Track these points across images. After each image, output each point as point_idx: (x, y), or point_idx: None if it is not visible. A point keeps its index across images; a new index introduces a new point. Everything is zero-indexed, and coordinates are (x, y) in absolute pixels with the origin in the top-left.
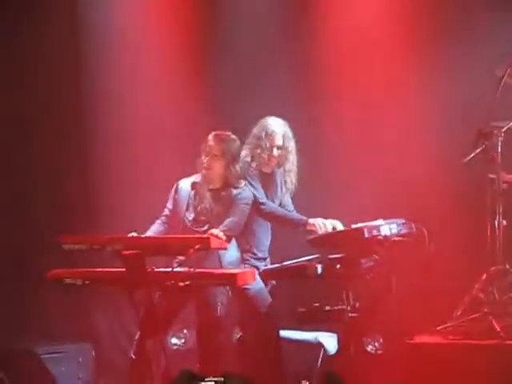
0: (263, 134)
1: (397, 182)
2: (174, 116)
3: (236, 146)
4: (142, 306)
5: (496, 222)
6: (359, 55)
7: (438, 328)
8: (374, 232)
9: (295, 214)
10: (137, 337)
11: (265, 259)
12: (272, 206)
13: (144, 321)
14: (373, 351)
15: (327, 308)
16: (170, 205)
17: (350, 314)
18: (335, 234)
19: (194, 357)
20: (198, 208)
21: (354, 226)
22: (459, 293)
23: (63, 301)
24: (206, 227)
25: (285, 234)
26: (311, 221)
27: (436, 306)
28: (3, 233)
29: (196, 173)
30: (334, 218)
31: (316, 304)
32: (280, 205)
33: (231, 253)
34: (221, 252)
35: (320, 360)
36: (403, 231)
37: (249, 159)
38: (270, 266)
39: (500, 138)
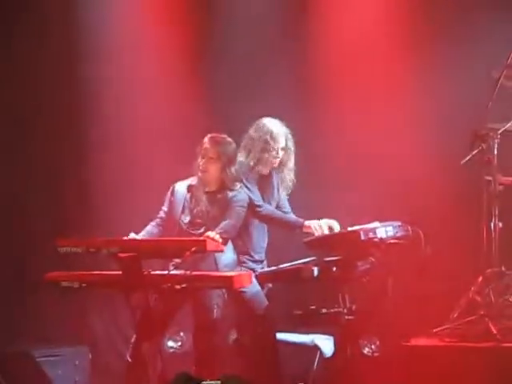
0: (268, 137)
1: (393, 183)
2: (171, 116)
3: (232, 149)
4: (138, 309)
5: (492, 224)
6: (357, 56)
7: (434, 330)
8: (370, 234)
9: (291, 217)
10: (133, 340)
11: (261, 262)
12: (268, 208)
13: (140, 324)
14: (369, 354)
15: (323, 310)
16: (165, 207)
17: (346, 317)
18: (331, 236)
19: (190, 359)
20: (194, 211)
21: (350, 229)
22: (455, 295)
23: (60, 304)
24: (202, 230)
25: (281, 237)
26: (307, 223)
27: (432, 308)
28: None
29: (192, 175)
30: (331, 218)
31: (312, 306)
32: (277, 206)
33: (227, 255)
34: (217, 255)
35: (316, 362)
36: (399, 234)
37: (252, 162)
38: (266, 269)
39: (496, 140)
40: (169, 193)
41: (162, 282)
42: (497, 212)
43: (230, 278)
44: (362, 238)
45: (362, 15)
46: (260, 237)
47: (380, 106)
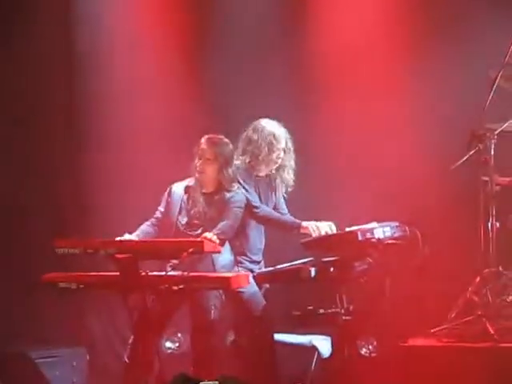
0: (272, 138)
1: (391, 184)
2: (168, 116)
3: (229, 150)
4: (135, 310)
5: (489, 225)
6: (356, 55)
7: (431, 331)
8: (368, 235)
9: (289, 218)
10: (131, 341)
11: (258, 262)
12: (266, 209)
13: (138, 325)
14: (367, 354)
15: (321, 311)
16: (162, 208)
17: (343, 317)
18: (329, 236)
19: (188, 360)
20: (192, 212)
21: (347, 229)
22: (453, 295)
23: (57, 305)
24: (199, 231)
25: (278, 238)
26: (305, 224)
27: (430, 308)
28: None
29: (189, 176)
30: (328, 220)
31: (310, 307)
32: (274, 208)
33: (225, 256)
34: (214, 255)
35: (314, 363)
36: (397, 234)
37: (251, 164)
38: (263, 270)
39: (493, 141)
40: (166, 194)
41: (159, 283)
42: (494, 212)
43: (228, 278)
44: (360, 238)
45: (361, 15)
46: (257, 238)
47: (378, 106)
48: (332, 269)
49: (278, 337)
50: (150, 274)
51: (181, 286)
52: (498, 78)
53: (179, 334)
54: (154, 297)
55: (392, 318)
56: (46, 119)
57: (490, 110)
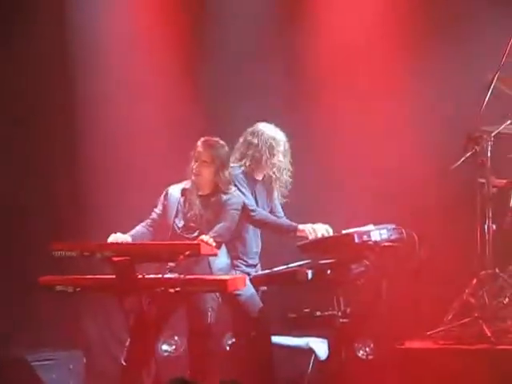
0: (272, 143)
1: (387, 186)
2: (165, 117)
3: (225, 152)
4: (132, 313)
5: (486, 227)
6: (354, 56)
7: (428, 333)
8: (365, 237)
9: (285, 221)
10: (127, 343)
11: (255, 266)
12: (262, 212)
13: (134, 327)
14: (364, 356)
15: (318, 313)
16: (158, 210)
17: (340, 320)
18: (325, 239)
19: (184, 363)
20: (188, 215)
21: (344, 232)
22: (449, 298)
23: (54, 308)
24: (196, 234)
25: (275, 240)
26: (301, 227)
27: (426, 310)
28: None
29: (186, 179)
30: (327, 220)
31: (306, 309)
32: (270, 211)
33: (221, 259)
34: (211, 258)
35: (311, 366)
36: (393, 236)
37: (250, 168)
38: (260, 272)
39: (490, 143)
40: (162, 196)
41: (155, 286)
42: (490, 214)
43: (224, 281)
44: (357, 240)
45: (360, 15)
46: (253, 242)
47: (378, 106)
48: (329, 271)
49: (274, 339)
50: (146, 276)
51: (177, 289)
52: (495, 80)
53: (176, 337)
54: (150, 300)
55: (389, 320)
56: (45, 119)
57: (487, 112)
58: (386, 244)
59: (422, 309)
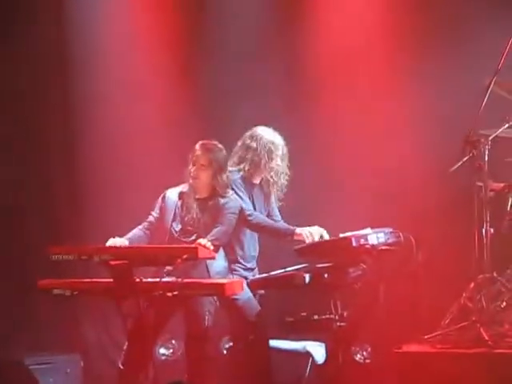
0: (271, 146)
1: (384, 190)
2: (163, 118)
3: (223, 155)
4: (130, 317)
5: (483, 230)
6: (354, 57)
7: (426, 337)
8: (362, 241)
9: (282, 224)
10: (125, 347)
11: (253, 269)
12: (259, 216)
13: (132, 331)
14: (361, 360)
15: (315, 317)
16: (155, 213)
17: (338, 323)
18: (323, 243)
19: (182, 367)
20: (186, 218)
21: (341, 235)
22: (447, 301)
23: (51, 311)
24: (193, 237)
25: (272, 244)
26: (298, 230)
27: (424, 314)
28: None
29: (183, 182)
30: (324, 223)
31: (304, 313)
32: (268, 214)
33: (219, 263)
34: (208, 262)
35: (308, 369)
36: (391, 240)
37: (249, 172)
38: (257, 276)
39: (487, 147)
40: (159, 199)
41: (153, 290)
42: (488, 218)
43: (222, 285)
44: (354, 244)
45: (359, 15)
46: (251, 246)
47: (376, 107)
48: (326, 275)
49: (272, 343)
50: (144, 280)
51: (175, 293)
52: (492, 84)
53: (173, 341)
54: (148, 303)
55: (386, 324)
56: (43, 120)
57: (484, 116)
58: (384, 248)
59: (419, 313)
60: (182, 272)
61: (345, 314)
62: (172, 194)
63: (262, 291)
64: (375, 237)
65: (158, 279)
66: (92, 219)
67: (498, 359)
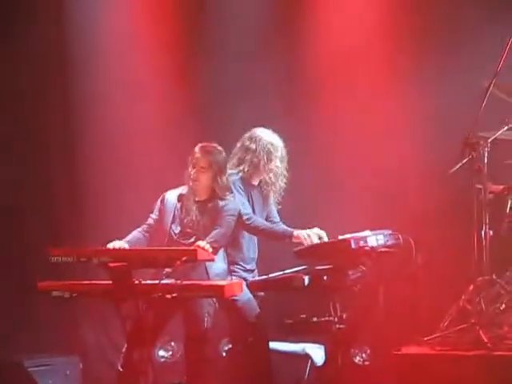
0: (270, 148)
1: (384, 192)
2: (163, 118)
3: (222, 158)
4: (129, 319)
5: (483, 233)
6: (354, 57)
7: (425, 339)
8: (361, 243)
9: (280, 227)
10: (124, 349)
11: (252, 271)
12: (257, 220)
13: (131, 333)
14: (360, 362)
15: (314, 319)
16: (154, 215)
17: (337, 326)
18: (322, 245)
19: (181, 369)
20: (185, 220)
21: (340, 237)
22: (446, 304)
23: (51, 313)
24: (192, 239)
25: (272, 246)
26: (296, 233)
27: (423, 316)
28: None
29: (182, 184)
30: (324, 223)
31: (303, 315)
32: (267, 216)
33: (218, 265)
34: (208, 264)
35: (307, 371)
36: (390, 242)
37: (248, 173)
38: (257, 278)
39: (486, 149)
40: (159, 201)
41: (152, 292)
42: (487, 220)
43: (221, 287)
44: (353, 246)
45: (359, 16)
46: (250, 248)
47: (376, 107)
48: (325, 277)
49: (271, 345)
50: (143, 282)
51: (174, 295)
52: (491, 86)
53: (172, 343)
54: (147, 305)
55: (385, 326)
56: (43, 120)
57: (483, 118)
58: (383, 250)
59: (418, 315)
60: (181, 274)
61: (344, 316)
62: (171, 196)
63: (262, 293)
64: (374, 239)
65: (157, 281)
66: (92, 219)
67: (497, 361)
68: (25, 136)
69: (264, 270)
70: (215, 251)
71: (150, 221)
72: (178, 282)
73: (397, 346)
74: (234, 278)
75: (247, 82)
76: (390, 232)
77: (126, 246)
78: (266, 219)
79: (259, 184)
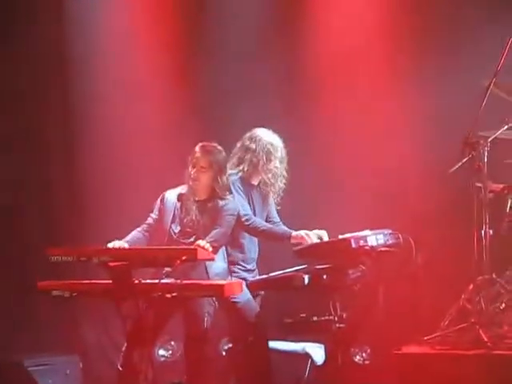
0: (270, 148)
1: (384, 191)
2: (163, 118)
3: (222, 157)
4: (129, 318)
5: (482, 232)
6: (354, 57)
7: (425, 338)
8: (361, 242)
9: (280, 228)
10: (124, 348)
11: (253, 271)
12: (256, 221)
13: (131, 332)
14: (360, 362)
15: (314, 318)
16: (154, 215)
17: (337, 325)
18: (322, 244)
19: (181, 368)
20: (185, 220)
21: (340, 237)
22: (446, 303)
23: (51, 313)
24: (192, 239)
25: (272, 246)
26: (295, 234)
27: (423, 316)
28: None
29: (182, 183)
30: (324, 223)
31: (303, 315)
32: (267, 216)
33: (218, 264)
34: (208, 263)
35: (307, 371)
36: (390, 241)
37: (248, 173)
38: (257, 277)
39: (486, 148)
40: (158, 201)
41: (152, 291)
42: (487, 219)
43: (221, 286)
44: (353, 245)
45: (359, 16)
46: (251, 249)
47: (376, 107)
48: (325, 276)
49: (271, 344)
50: (143, 281)
51: (174, 294)
52: (491, 85)
53: (172, 342)
54: (147, 305)
55: (385, 325)
56: (43, 119)
57: (484, 117)
58: (383, 249)
59: (418, 314)
60: (181, 273)
61: (344, 315)
62: (171, 196)
63: (262, 292)
64: (374, 238)
65: (157, 280)
66: (92, 219)
67: (496, 361)
68: (25, 136)
69: (264, 269)
70: (215, 251)
71: (150, 220)
72: (178, 281)
73: (397, 345)
74: (234, 278)
75: (247, 81)
76: (390, 231)
77: (126, 246)
78: (266, 219)
79: (259, 184)
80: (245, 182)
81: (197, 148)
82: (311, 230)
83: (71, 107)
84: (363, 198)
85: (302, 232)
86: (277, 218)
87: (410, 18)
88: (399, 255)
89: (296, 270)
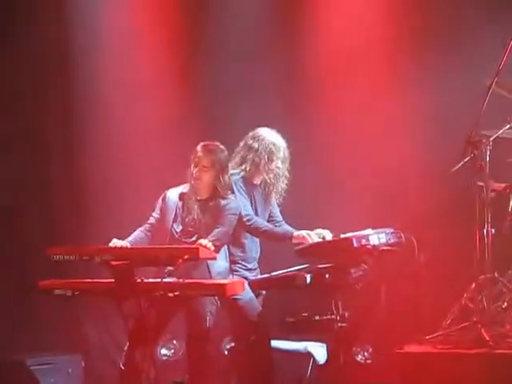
0: (273, 147)
1: (386, 190)
2: (163, 118)
3: (224, 157)
4: (131, 317)
5: (485, 231)
6: (354, 57)
7: (427, 337)
8: (363, 241)
9: (281, 228)
10: (126, 347)
11: (254, 270)
12: (258, 221)
13: (133, 332)
14: (362, 361)
15: (316, 318)
16: (156, 214)
17: (339, 324)
18: (324, 243)
19: (183, 367)
20: (186, 219)
21: (342, 236)
22: (448, 302)
23: (52, 312)
24: (194, 238)
25: (274, 245)
26: (296, 234)
27: (425, 315)
28: None
29: (184, 182)
30: (325, 223)
31: (305, 314)
32: (269, 216)
33: (220, 263)
34: (210, 262)
35: (309, 370)
36: (392, 240)
37: (250, 173)
38: (259, 276)
39: (488, 147)
40: (160, 200)
41: (154, 290)
42: (489, 218)
43: (223, 285)
44: (355, 245)
45: (359, 16)
46: (252, 248)
47: (376, 107)
48: (327, 275)
49: (273, 343)
50: (145, 280)
51: (176, 293)
52: (493, 84)
53: (174, 341)
54: (149, 304)
55: (387, 324)
56: (43, 119)
57: (485, 116)
58: (385, 248)
59: (420, 313)
60: (183, 272)
61: (346, 314)
62: (172, 195)
63: (264, 292)
64: (376, 237)
65: (159, 280)
66: (92, 219)
67: (498, 360)
68: (25, 136)
69: (266, 269)
70: (217, 250)
71: (152, 220)
72: (180, 280)
73: (399, 344)
74: (235, 277)
75: (247, 81)
76: (391, 230)
77: (128, 245)
78: (269, 219)
79: (261, 184)
80: (247, 181)
81: (199, 147)
82: (312, 229)
83: (71, 107)
84: (364, 198)
85: (304, 232)
86: (279, 218)
87: (410, 18)
88: (401, 254)
89: (298, 269)
